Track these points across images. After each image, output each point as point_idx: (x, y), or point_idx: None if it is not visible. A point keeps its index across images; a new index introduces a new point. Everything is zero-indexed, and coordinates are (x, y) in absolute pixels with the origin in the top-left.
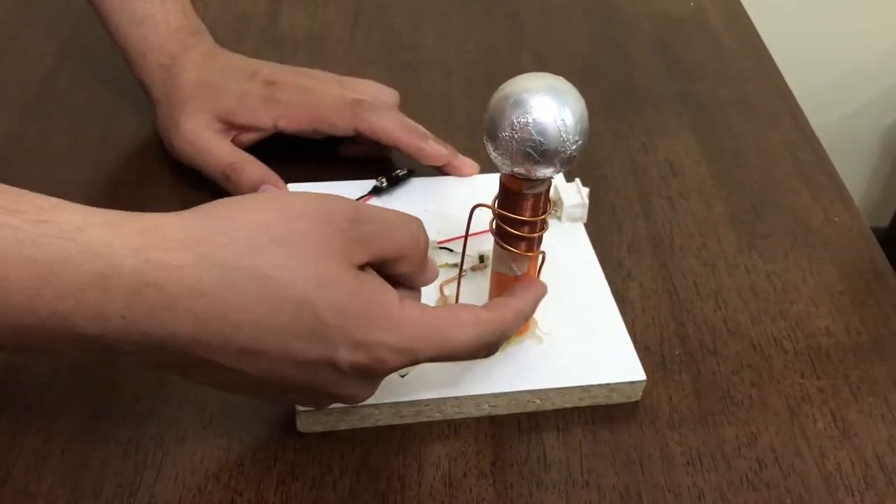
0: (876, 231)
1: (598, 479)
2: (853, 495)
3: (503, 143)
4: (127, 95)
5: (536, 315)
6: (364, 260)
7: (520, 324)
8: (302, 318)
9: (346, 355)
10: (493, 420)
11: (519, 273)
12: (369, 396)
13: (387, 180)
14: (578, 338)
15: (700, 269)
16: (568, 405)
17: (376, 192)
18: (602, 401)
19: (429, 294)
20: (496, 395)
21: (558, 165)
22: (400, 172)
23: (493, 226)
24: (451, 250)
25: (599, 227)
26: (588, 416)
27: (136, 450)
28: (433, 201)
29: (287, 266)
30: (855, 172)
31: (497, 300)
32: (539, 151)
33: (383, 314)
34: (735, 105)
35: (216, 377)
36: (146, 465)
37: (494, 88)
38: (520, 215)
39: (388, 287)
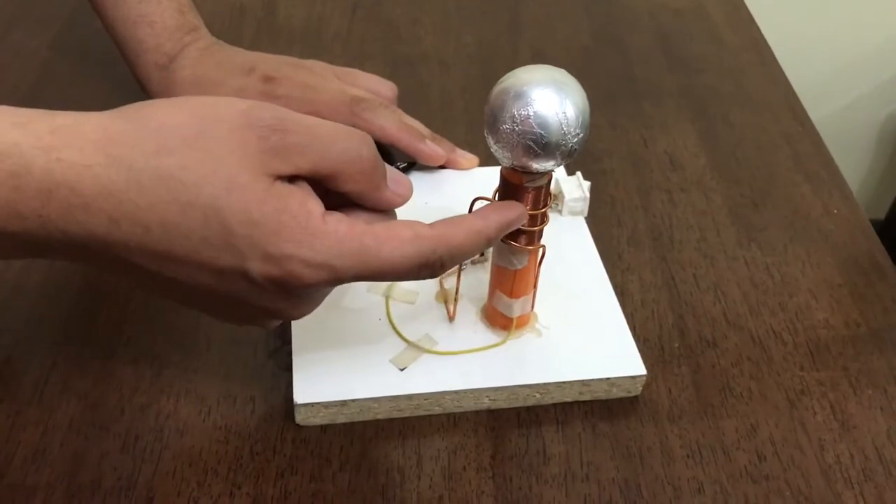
0: (872, 223)
1: (598, 473)
2: (852, 487)
3: (504, 135)
4: (123, 88)
5: (537, 308)
6: (287, 171)
7: (479, 245)
8: (209, 224)
9: (257, 267)
10: (493, 413)
11: (519, 267)
12: (305, 313)
13: None
14: (578, 332)
15: (699, 262)
16: (568, 399)
17: None
18: (602, 395)
19: (429, 288)
20: (495, 389)
21: (559, 159)
22: (400, 165)
23: None
24: None
25: (599, 221)
26: (587, 409)
27: (134, 443)
28: (433, 194)
29: (194, 168)
30: (851, 165)
31: (452, 217)
32: (540, 144)
33: (297, 226)
34: (734, 98)
35: (148, 281)
36: (144, 458)
37: (493, 82)
38: None
39: (311, 200)
